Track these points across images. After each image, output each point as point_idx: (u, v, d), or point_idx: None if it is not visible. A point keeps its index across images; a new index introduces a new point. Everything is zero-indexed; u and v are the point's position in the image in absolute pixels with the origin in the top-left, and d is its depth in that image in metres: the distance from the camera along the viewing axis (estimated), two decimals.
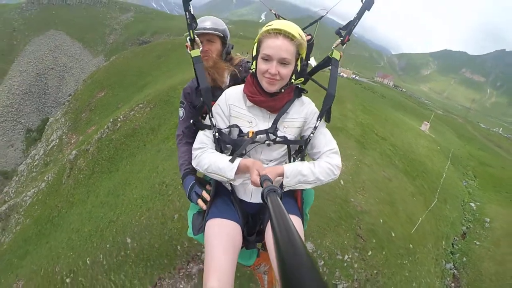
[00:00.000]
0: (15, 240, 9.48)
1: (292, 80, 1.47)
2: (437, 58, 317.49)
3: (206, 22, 1.94)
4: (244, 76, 1.90)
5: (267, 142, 1.48)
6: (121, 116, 10.04)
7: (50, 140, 24.50)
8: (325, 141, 1.54)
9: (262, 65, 1.42)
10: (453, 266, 7.43)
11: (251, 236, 1.68)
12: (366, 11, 1.51)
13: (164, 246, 4.15)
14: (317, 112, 1.57)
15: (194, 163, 1.56)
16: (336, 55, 1.56)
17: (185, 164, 1.81)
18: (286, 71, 1.41)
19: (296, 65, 1.44)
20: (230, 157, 1.46)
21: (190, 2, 1.54)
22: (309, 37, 1.75)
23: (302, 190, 1.78)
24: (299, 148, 1.63)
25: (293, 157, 1.61)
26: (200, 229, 1.64)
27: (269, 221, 0.61)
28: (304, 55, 1.49)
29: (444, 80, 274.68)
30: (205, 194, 1.63)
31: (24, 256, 7.67)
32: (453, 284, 7.07)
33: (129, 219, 4.95)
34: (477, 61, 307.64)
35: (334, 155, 1.51)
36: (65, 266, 5.30)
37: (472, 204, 10.83)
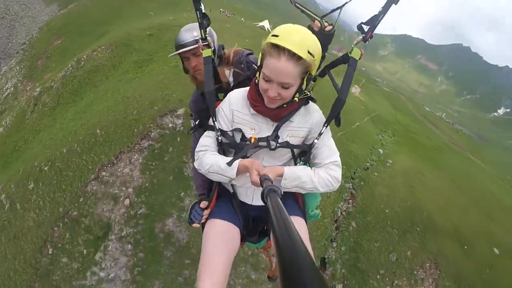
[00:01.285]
0: None
1: (296, 98, 1.37)
2: (396, 41, 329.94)
3: (188, 35, 1.88)
4: (247, 74, 1.85)
5: (272, 143, 1.44)
6: (84, 56, 10.90)
7: (4, 89, 23.57)
8: (328, 153, 1.51)
9: (262, 83, 1.34)
10: (351, 187, 9.74)
11: (253, 237, 1.70)
12: (393, 4, 1.37)
13: (125, 131, 5.74)
14: (323, 121, 1.50)
15: (196, 164, 1.56)
16: (356, 54, 1.43)
17: (200, 188, 1.79)
18: (288, 93, 1.32)
19: (301, 83, 1.32)
20: (231, 158, 1.46)
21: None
22: (330, 27, 1.60)
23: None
24: (303, 152, 1.58)
25: (297, 161, 1.58)
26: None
27: (270, 221, 0.61)
28: (315, 71, 1.36)
29: (400, 63, 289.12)
30: (203, 205, 1.62)
31: None
32: (350, 200, 9.36)
33: (97, 119, 6.41)
34: (434, 50, 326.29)
35: (335, 168, 1.50)
36: (43, 159, 6.59)
37: (380, 150, 12.95)
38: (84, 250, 5.46)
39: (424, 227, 7.76)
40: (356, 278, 6.59)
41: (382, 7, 1.38)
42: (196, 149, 1.58)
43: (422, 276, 7.14)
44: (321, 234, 7.19)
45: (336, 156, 1.52)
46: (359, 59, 1.42)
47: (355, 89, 20.45)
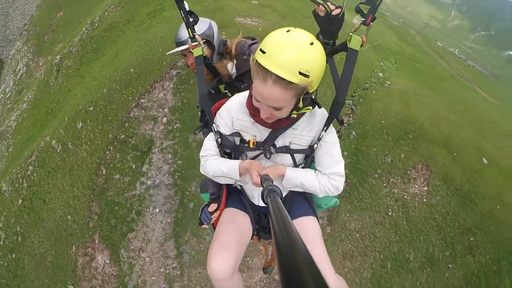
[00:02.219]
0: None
1: (294, 115, 1.29)
2: None
3: (182, 33, 1.86)
4: (249, 65, 1.64)
5: (267, 152, 1.41)
6: (96, 18, 11.74)
7: (17, 70, 24.59)
8: (331, 162, 1.47)
9: (255, 102, 1.26)
10: (352, 103, 10.75)
11: (268, 233, 1.71)
12: None
13: (155, 65, 6.88)
14: (330, 128, 1.44)
15: (201, 170, 1.59)
16: (355, 43, 1.25)
17: (211, 185, 1.78)
18: (280, 114, 1.24)
19: (297, 102, 1.21)
20: (231, 160, 1.48)
21: None
22: (338, 10, 1.31)
23: None
24: (306, 158, 1.54)
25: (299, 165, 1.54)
26: (205, 188, 1.77)
27: (270, 221, 0.61)
28: (314, 89, 1.21)
29: None
30: (211, 209, 1.66)
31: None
32: (350, 114, 9.78)
33: (128, 63, 7.55)
34: None
35: (337, 178, 1.47)
36: (86, 103, 7.82)
37: (380, 74, 13.60)
38: (133, 165, 6.70)
39: (416, 135, 8.48)
40: (357, 177, 7.64)
41: None
42: (200, 153, 1.61)
43: (414, 176, 8.04)
44: None
45: (339, 167, 1.47)
46: (361, 47, 1.25)
47: (356, 20, 19.58)
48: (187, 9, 1.57)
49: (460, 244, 6.71)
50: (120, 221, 6.62)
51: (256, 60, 1.15)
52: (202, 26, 1.88)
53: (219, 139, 1.52)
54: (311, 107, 1.35)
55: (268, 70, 1.10)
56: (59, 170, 7.36)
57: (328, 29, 1.28)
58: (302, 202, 1.72)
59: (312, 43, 1.12)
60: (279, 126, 1.38)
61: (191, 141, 6.65)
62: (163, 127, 6.74)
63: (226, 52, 1.98)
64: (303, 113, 1.40)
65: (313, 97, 1.36)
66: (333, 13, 1.33)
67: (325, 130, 1.41)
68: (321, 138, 1.44)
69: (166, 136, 6.72)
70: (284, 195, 1.63)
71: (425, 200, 7.81)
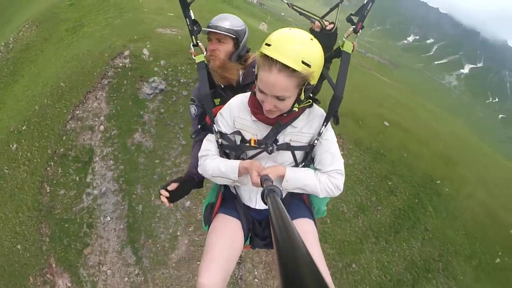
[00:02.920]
0: None
1: (295, 108, 1.35)
2: None
3: (223, 22, 1.89)
4: (253, 79, 1.79)
5: (269, 148, 1.43)
6: (11, 39, 11.12)
7: None
8: (331, 160, 1.48)
9: (258, 94, 1.33)
10: None
11: (264, 240, 1.70)
12: None
13: (86, 76, 7.15)
14: (329, 125, 1.48)
15: (200, 170, 1.59)
16: (348, 47, 1.41)
17: (192, 167, 1.85)
18: (285, 105, 1.30)
19: (299, 94, 1.30)
20: (231, 160, 1.49)
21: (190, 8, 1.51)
22: (331, 25, 1.59)
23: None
24: (306, 156, 1.55)
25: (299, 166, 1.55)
26: (208, 220, 1.73)
27: (270, 221, 0.60)
28: (315, 81, 1.31)
29: None
30: (162, 192, 1.67)
31: None
32: None
33: (56, 78, 7.52)
34: None
35: (337, 176, 1.48)
36: (17, 123, 7.28)
37: None
38: (77, 177, 6.68)
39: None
40: None
41: None
42: (199, 154, 1.60)
43: None
44: None
45: (339, 164, 1.48)
46: (352, 51, 1.39)
47: (262, 26, 19.47)
48: (193, 18, 1.61)
49: (382, 189, 8.25)
50: (73, 238, 6.53)
51: (262, 53, 1.24)
52: (237, 23, 1.93)
53: (220, 139, 1.53)
54: (311, 101, 1.42)
55: (273, 59, 1.19)
56: None
57: (324, 44, 1.33)
58: (299, 204, 1.72)
59: (312, 39, 1.26)
60: (280, 122, 1.40)
61: (129, 146, 6.99)
62: (101, 135, 6.98)
63: (245, 58, 2.02)
64: (303, 110, 1.45)
65: (309, 103, 1.43)
66: (327, 28, 1.56)
67: (325, 126, 1.44)
68: (321, 133, 1.45)
69: (105, 144, 6.97)
70: (283, 196, 1.64)
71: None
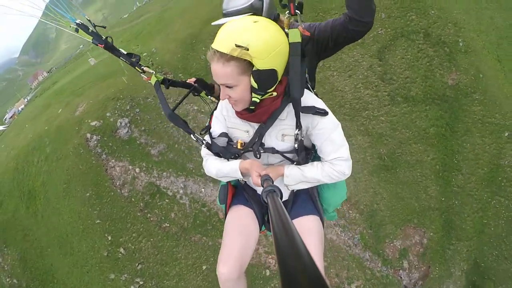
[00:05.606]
0: None
1: (254, 99, 1.26)
2: None
3: (232, 2, 1.58)
4: None
5: (256, 153, 1.42)
6: None
7: None
8: (332, 148, 1.40)
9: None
10: None
11: None
12: None
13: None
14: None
15: (204, 169, 1.61)
16: (294, 36, 1.23)
17: None
18: (235, 93, 1.25)
19: (249, 81, 1.20)
20: (231, 161, 1.48)
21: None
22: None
23: (317, 186, 1.70)
24: (302, 149, 1.43)
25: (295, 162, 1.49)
26: (223, 199, 1.74)
27: (270, 220, 0.60)
28: (265, 65, 1.17)
29: None
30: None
31: None
32: None
33: None
34: None
35: (341, 162, 1.41)
36: None
37: None
38: None
39: None
40: None
41: None
42: (201, 153, 1.63)
43: None
44: None
45: (341, 151, 1.40)
46: (302, 39, 1.23)
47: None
48: (125, 53, 1.66)
49: None
50: None
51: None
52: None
53: (205, 146, 1.56)
54: (275, 92, 1.28)
55: (213, 49, 1.19)
56: None
57: (350, 4, 1.33)
58: (305, 200, 1.69)
59: (256, 21, 1.19)
60: (262, 118, 1.36)
61: None
62: None
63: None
64: (285, 101, 1.34)
65: (274, 94, 1.30)
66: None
67: (298, 130, 1.35)
68: (300, 133, 1.36)
69: None
70: (287, 196, 1.68)
71: None
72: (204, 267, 7.31)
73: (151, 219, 7.68)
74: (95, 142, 8.16)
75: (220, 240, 7.39)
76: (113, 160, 8.05)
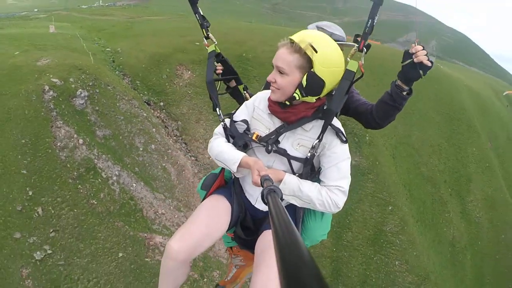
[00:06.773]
0: None
1: (295, 95, 1.35)
2: None
3: (337, 32, 1.88)
4: None
5: (269, 147, 1.43)
6: None
7: None
8: (336, 175, 1.44)
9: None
10: None
11: (246, 236, 1.71)
12: (379, 7, 1.33)
13: None
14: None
15: (208, 147, 1.62)
16: (352, 66, 1.38)
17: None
18: (282, 80, 1.35)
19: (301, 78, 1.33)
20: (237, 151, 1.48)
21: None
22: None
23: (303, 219, 1.67)
24: (306, 167, 1.48)
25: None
26: (207, 185, 1.73)
27: (270, 220, 0.59)
28: (318, 70, 1.31)
29: None
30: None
31: None
32: None
33: None
34: None
35: (339, 193, 1.42)
36: None
37: None
38: None
39: None
40: None
41: (369, 13, 1.34)
42: (215, 130, 1.66)
43: None
44: None
45: (343, 182, 1.43)
46: (356, 70, 1.38)
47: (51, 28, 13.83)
48: (201, 14, 1.75)
49: None
50: None
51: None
52: (341, 34, 1.91)
53: (224, 124, 1.60)
54: (314, 98, 1.38)
55: (288, 39, 1.36)
56: None
57: (407, 74, 1.41)
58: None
59: (331, 40, 1.38)
60: (289, 118, 1.43)
61: None
62: None
63: None
64: (316, 116, 1.42)
65: (325, 107, 1.42)
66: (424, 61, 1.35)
67: (320, 140, 1.40)
68: (321, 139, 1.41)
69: None
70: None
71: None
72: (120, 255, 7.22)
73: (81, 190, 7.47)
74: (50, 97, 7.86)
75: (141, 234, 7.65)
76: (61, 122, 7.81)
